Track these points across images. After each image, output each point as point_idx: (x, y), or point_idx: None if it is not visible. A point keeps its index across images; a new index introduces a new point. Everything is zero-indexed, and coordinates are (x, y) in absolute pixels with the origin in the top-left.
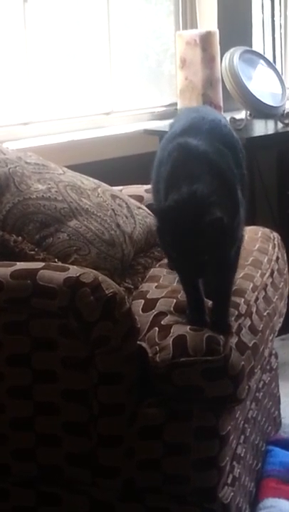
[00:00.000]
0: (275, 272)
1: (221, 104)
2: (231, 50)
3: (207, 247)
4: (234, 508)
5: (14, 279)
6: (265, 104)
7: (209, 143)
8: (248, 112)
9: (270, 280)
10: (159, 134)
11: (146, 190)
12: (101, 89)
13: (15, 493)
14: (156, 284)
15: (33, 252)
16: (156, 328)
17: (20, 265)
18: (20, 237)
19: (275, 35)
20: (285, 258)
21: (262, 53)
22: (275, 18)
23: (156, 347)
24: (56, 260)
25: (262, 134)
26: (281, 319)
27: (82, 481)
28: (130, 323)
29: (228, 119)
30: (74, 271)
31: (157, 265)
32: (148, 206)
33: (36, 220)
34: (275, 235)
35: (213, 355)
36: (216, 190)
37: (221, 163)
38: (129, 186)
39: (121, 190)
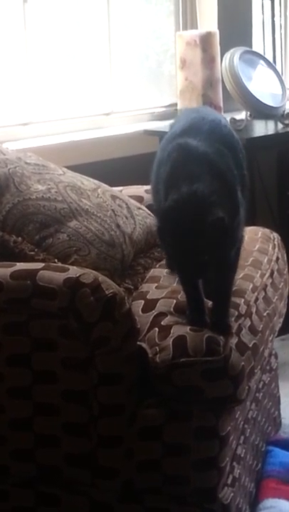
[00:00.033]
0: (275, 273)
1: (221, 105)
2: (231, 50)
3: (208, 247)
4: (234, 508)
5: (14, 280)
6: (265, 104)
7: (209, 143)
8: (248, 113)
9: (270, 281)
10: (159, 134)
11: (147, 191)
12: (101, 89)
13: (14, 494)
14: (156, 284)
15: (32, 253)
16: (156, 329)
17: (20, 266)
18: (20, 238)
19: (275, 36)
20: (285, 258)
21: (262, 54)
22: (275, 19)
23: (156, 347)
24: (56, 261)
25: (262, 134)
26: (281, 319)
27: (81, 481)
28: (130, 323)
29: (228, 119)
30: (74, 271)
31: (157, 266)
32: (148, 207)
33: (36, 220)
34: (275, 235)
35: (213, 355)
36: (216, 191)
37: (221, 164)
38: (129, 187)
39: (121, 191)
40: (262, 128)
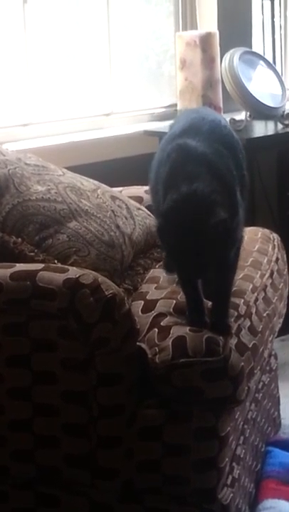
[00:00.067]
0: (275, 273)
1: (221, 105)
2: (231, 51)
3: (209, 247)
4: (234, 509)
5: (14, 281)
6: (265, 105)
7: (208, 144)
8: (248, 113)
9: (270, 281)
10: (159, 135)
11: (146, 192)
12: (101, 90)
13: (14, 495)
14: (155, 285)
15: (32, 254)
16: (156, 329)
17: (20, 266)
18: (19, 239)
19: (275, 36)
20: (285, 259)
21: (262, 54)
22: (274, 19)
23: (156, 348)
24: (56, 261)
25: (262, 135)
26: (281, 320)
27: (81, 482)
28: (130, 324)
29: (228, 120)
30: (73, 272)
31: (157, 266)
32: (148, 207)
33: (36, 221)
34: (275, 235)
35: (213, 356)
36: (216, 190)
37: (220, 164)
38: (129, 187)
39: (121, 192)
40: (262, 128)
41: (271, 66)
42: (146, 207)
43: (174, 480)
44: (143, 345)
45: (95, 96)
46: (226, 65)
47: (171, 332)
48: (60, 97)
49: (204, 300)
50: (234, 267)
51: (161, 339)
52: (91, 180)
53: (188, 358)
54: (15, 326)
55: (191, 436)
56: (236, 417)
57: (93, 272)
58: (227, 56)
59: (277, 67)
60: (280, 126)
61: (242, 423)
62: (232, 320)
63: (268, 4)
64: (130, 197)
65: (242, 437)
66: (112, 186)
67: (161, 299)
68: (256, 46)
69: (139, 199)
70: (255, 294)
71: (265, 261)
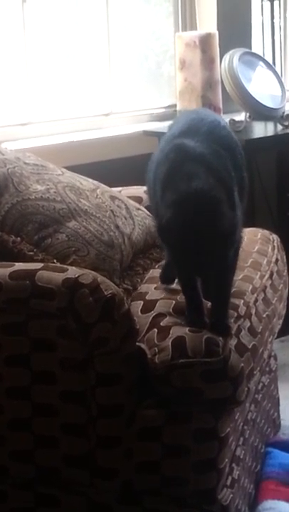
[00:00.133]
0: (275, 274)
1: (221, 106)
2: (231, 51)
3: (212, 245)
4: (233, 509)
5: (13, 280)
6: (264, 106)
7: (207, 145)
8: (248, 114)
9: (270, 282)
10: (159, 135)
11: (146, 192)
12: (100, 90)
13: (13, 495)
14: (155, 285)
15: (31, 253)
16: (155, 330)
17: (19, 266)
18: (19, 238)
19: (275, 37)
20: (285, 260)
21: (261, 55)
22: (274, 20)
23: (155, 348)
24: (55, 261)
25: (261, 136)
26: (280, 321)
27: (80, 482)
28: (129, 324)
29: (227, 121)
30: (73, 272)
31: (156, 266)
32: (147, 207)
33: (35, 220)
34: (275, 236)
35: (213, 356)
36: (216, 188)
37: (218, 165)
38: (129, 187)
39: (120, 192)
40: (261, 129)
41: (271, 67)
42: (145, 207)
43: (173, 481)
44: (142, 346)
45: (95, 96)
46: (225, 66)
47: (170, 332)
48: (60, 96)
49: (204, 301)
50: (233, 267)
51: (160, 339)
52: (90, 180)
53: (187, 359)
54: (14, 325)
55: (190, 437)
56: (236, 417)
57: (92, 272)
58: (227, 57)
59: (277, 68)
60: (279, 127)
61: (242, 424)
62: (232, 321)
63: (267, 5)
64: (129, 197)
65: (242, 438)
66: (111, 186)
67: (161, 299)
68: (256, 47)
69: (138, 199)
70: (255, 294)
71: (264, 262)
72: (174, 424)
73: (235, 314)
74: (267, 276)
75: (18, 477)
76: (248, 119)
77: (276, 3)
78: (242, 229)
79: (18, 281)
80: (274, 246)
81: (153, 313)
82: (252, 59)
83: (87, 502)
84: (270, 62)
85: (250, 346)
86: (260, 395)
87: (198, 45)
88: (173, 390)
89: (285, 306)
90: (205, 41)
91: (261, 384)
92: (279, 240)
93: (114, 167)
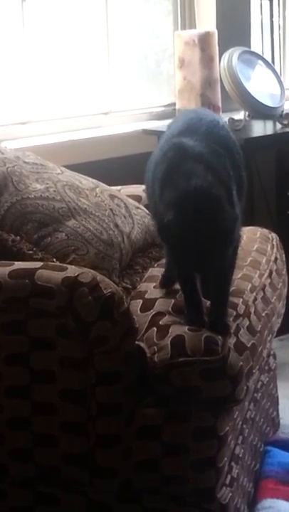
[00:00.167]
0: (274, 273)
1: (220, 105)
2: (230, 50)
3: (213, 243)
4: (232, 508)
5: (12, 279)
6: (263, 104)
7: (205, 144)
8: (247, 113)
9: (269, 281)
10: (158, 133)
11: (144, 190)
12: (99, 88)
13: (13, 494)
14: (154, 284)
15: (31, 252)
16: (155, 328)
17: (19, 265)
18: (18, 237)
19: (274, 36)
20: (284, 259)
21: (260, 54)
22: (273, 19)
23: (155, 347)
24: (54, 260)
25: (260, 134)
26: (279, 320)
27: (79, 481)
28: (128, 323)
29: (226, 119)
30: (72, 271)
31: (156, 265)
32: (146, 206)
33: (34, 219)
34: (274, 235)
35: (212, 355)
36: (217, 186)
37: (217, 164)
38: (128, 186)
39: (119, 190)
40: (260, 128)
41: (270, 66)
42: (144, 206)
43: (172, 480)
44: (142, 344)
45: (94, 95)
46: (224, 65)
47: (169, 331)
48: (59, 95)
49: (203, 299)
50: (232, 266)
51: (159, 338)
52: (90, 178)
53: (187, 357)
54: (13, 324)
55: (189, 435)
56: (235, 416)
57: (92, 271)
58: (226, 55)
59: (276, 67)
60: (278, 125)
61: (241, 423)
62: (231, 319)
63: (266, 4)
64: (129, 196)
65: (241, 437)
66: (110, 185)
67: (160, 298)
68: (255, 46)
69: (137, 198)
70: (254, 293)
71: (263, 261)
72: (174, 423)
73: (235, 313)
74: (266, 275)
75: (17, 476)
76: (247, 118)
77: (275, 2)
78: (241, 228)
79: (17, 280)
80: (273, 245)
81: (152, 312)
82: (251, 58)
83: (87, 501)
84: (269, 60)
85: (249, 345)
86: (259, 394)
87: (197, 43)
88: (172, 389)
89: (284, 304)
90: (204, 40)
91: (260, 383)
92: (278, 238)
93: (113, 166)
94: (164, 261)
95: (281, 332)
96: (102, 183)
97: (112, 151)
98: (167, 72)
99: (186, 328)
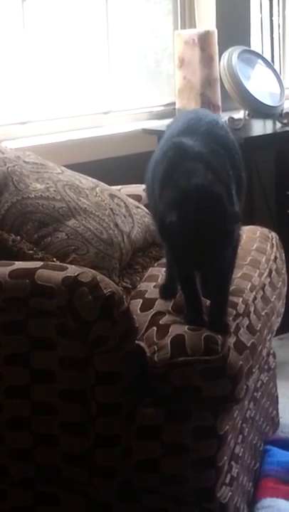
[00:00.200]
0: (273, 272)
1: (220, 104)
2: (230, 49)
3: (214, 241)
4: (232, 507)
5: (12, 279)
6: (263, 103)
7: (205, 143)
8: (247, 112)
9: (268, 280)
10: (158, 133)
11: (144, 190)
12: (99, 88)
13: (13, 494)
14: (154, 283)
15: (31, 252)
16: (155, 328)
17: (19, 264)
18: (18, 237)
19: (274, 35)
20: (284, 258)
21: (260, 53)
22: (273, 18)
23: (155, 346)
24: (54, 259)
25: (260, 133)
26: (279, 319)
27: (79, 481)
28: (128, 322)
29: (226, 118)
30: (72, 270)
31: (156, 264)
32: (146, 206)
33: (35, 219)
34: (274, 234)
35: (212, 354)
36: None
37: (217, 163)
38: (128, 186)
39: (119, 190)
40: (260, 127)
41: (270, 65)
42: (144, 205)
43: (172, 479)
44: (142, 344)
45: (94, 94)
46: (224, 64)
47: (169, 330)
48: (59, 95)
49: (203, 299)
50: (232, 265)
51: (159, 338)
52: (90, 178)
53: (186, 357)
54: (14, 324)
55: (189, 435)
56: (235, 415)
57: (92, 270)
58: (226, 55)
59: (276, 66)
60: (278, 124)
61: (240, 422)
62: (230, 319)
63: (266, 3)
64: (129, 195)
65: (240, 436)
66: (110, 184)
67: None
68: (255, 45)
69: (137, 197)
70: (254, 292)
71: (263, 260)
72: (173, 423)
73: (234, 312)
74: (266, 274)
75: (17, 476)
76: (246, 117)
77: (275, 1)
78: (240, 227)
79: (17, 279)
80: (273, 244)
81: (152, 312)
82: (251, 57)
83: (87, 500)
84: (269, 60)
85: (249, 344)
86: (259, 393)
87: (197, 43)
88: (172, 388)
89: (284, 304)
90: (204, 39)
91: (260, 382)
92: (278, 237)
93: (113, 165)
94: (164, 260)
95: (281, 331)
96: (102, 183)
97: (112, 151)
98: (167, 71)
99: (186, 327)
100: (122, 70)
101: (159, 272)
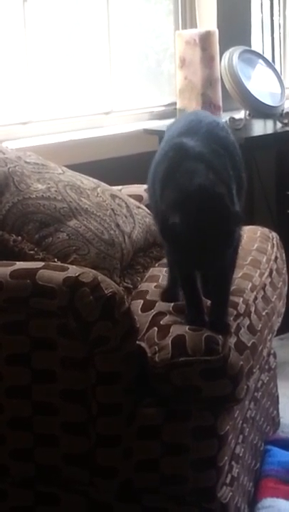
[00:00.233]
0: (274, 272)
1: (220, 104)
2: (230, 49)
3: (216, 240)
4: (233, 507)
5: (13, 279)
6: (264, 103)
7: (206, 144)
8: (247, 112)
9: (269, 280)
10: (159, 133)
11: (146, 190)
12: (101, 88)
13: (13, 494)
14: (155, 283)
15: (32, 252)
16: (156, 328)
17: (20, 265)
18: (19, 237)
19: (274, 35)
20: (284, 258)
21: (261, 53)
22: (274, 18)
23: (156, 347)
24: (56, 260)
25: (261, 133)
26: (280, 319)
27: (80, 481)
28: (129, 323)
29: (227, 118)
30: (73, 270)
31: (156, 265)
32: (148, 206)
33: (36, 219)
34: (274, 234)
35: (212, 355)
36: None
37: (217, 164)
38: (129, 186)
39: (120, 190)
40: (261, 127)
41: (270, 65)
42: (146, 205)
43: (172, 479)
44: (143, 344)
45: (95, 94)
46: (225, 64)
47: (170, 331)
48: (60, 95)
49: (203, 299)
50: (233, 265)
51: (160, 338)
52: (91, 178)
53: (187, 357)
54: (15, 324)
55: (190, 435)
56: (235, 415)
57: (93, 271)
58: (226, 55)
59: (277, 66)
60: (279, 124)
61: (241, 422)
62: (231, 319)
63: (267, 3)
64: (130, 195)
65: (241, 436)
66: (111, 185)
67: None
68: (255, 45)
69: (138, 197)
70: (254, 292)
71: (264, 260)
72: (174, 423)
73: (235, 312)
74: (266, 274)
75: (18, 476)
76: (247, 117)
77: (275, 1)
78: (241, 227)
79: (18, 280)
80: (273, 244)
81: (153, 312)
82: (251, 57)
83: (87, 500)
84: (270, 60)
85: (249, 344)
86: (260, 393)
87: (198, 43)
88: (173, 389)
89: (285, 303)
90: (205, 39)
91: (260, 382)
92: (278, 237)
93: (114, 165)
94: (164, 260)
95: (281, 331)
96: (103, 183)
97: (113, 151)
98: (168, 71)
99: (186, 327)
100: (123, 70)
101: (160, 272)
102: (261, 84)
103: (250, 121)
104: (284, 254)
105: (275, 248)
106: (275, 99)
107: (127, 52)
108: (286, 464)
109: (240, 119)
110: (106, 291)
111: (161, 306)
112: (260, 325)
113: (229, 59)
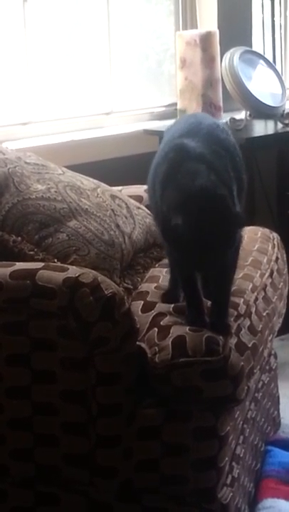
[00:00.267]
0: (275, 273)
1: (221, 105)
2: (231, 50)
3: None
4: (233, 508)
5: (13, 280)
6: (264, 104)
7: (206, 145)
8: (248, 112)
9: (270, 280)
10: (159, 134)
11: (146, 191)
12: (101, 89)
13: (13, 494)
14: (155, 284)
15: (32, 253)
16: (156, 329)
17: (20, 265)
18: (19, 238)
19: (275, 36)
20: (285, 258)
21: (262, 53)
22: (275, 19)
23: (156, 347)
24: (55, 260)
25: (262, 134)
26: (280, 319)
27: (80, 481)
28: (130, 323)
29: (227, 119)
30: (73, 271)
31: (157, 265)
32: (148, 206)
33: (36, 220)
34: (275, 235)
35: (213, 355)
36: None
37: (218, 165)
38: (129, 186)
39: (120, 191)
40: (261, 128)
41: (271, 65)
42: (146, 206)
43: (173, 479)
44: (143, 345)
45: (95, 95)
46: (226, 64)
47: (170, 331)
48: (60, 95)
49: (204, 299)
50: (234, 266)
51: (160, 339)
52: (91, 179)
53: (188, 358)
54: (14, 325)
55: (190, 435)
56: (236, 416)
57: (93, 271)
58: (227, 55)
59: (277, 67)
60: (280, 125)
61: (241, 422)
62: (232, 319)
63: (268, 3)
64: (130, 196)
65: (241, 437)
66: (111, 185)
67: None
68: (256, 45)
69: (138, 198)
70: (255, 293)
71: (264, 260)
72: (174, 423)
73: (236, 313)
74: (267, 274)
75: (18, 476)
76: (248, 118)
77: (276, 2)
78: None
79: (18, 280)
80: (274, 244)
81: (153, 313)
82: (252, 57)
83: (87, 500)
84: (271, 60)
85: (250, 345)
86: (260, 394)
87: (198, 43)
88: (173, 389)
89: (285, 304)
90: (205, 40)
91: (261, 382)
92: (279, 238)
93: (114, 166)
94: (165, 261)
95: (282, 332)
96: (103, 184)
97: (114, 152)
98: (168, 72)
99: (187, 328)
100: (124, 71)
101: (160, 272)
102: (262, 85)
103: (251, 122)
104: (285, 255)
105: (276, 249)
106: (275, 99)
107: (128, 52)
108: (287, 464)
109: (241, 120)
110: (106, 292)
111: (161, 306)
112: (260, 325)
113: (230, 59)
